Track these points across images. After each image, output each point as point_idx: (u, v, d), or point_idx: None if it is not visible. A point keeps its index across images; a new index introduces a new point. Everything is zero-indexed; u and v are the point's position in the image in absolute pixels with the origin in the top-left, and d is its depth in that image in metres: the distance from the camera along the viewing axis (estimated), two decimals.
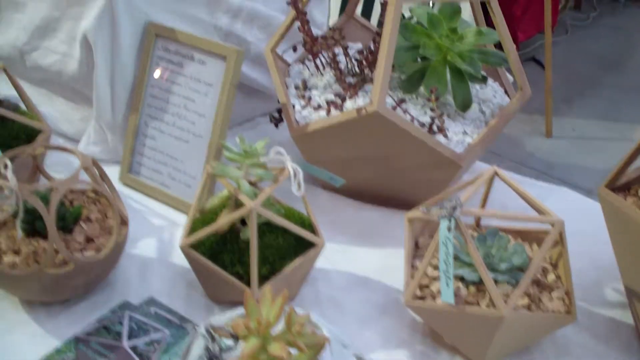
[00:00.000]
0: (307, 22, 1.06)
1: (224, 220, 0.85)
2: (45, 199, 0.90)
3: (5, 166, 0.83)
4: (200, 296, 0.93)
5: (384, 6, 1.05)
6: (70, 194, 0.96)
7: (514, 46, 1.07)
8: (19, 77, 1.22)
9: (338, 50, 1.12)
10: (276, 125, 1.16)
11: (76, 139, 1.24)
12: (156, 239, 1.04)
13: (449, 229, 0.80)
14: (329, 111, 0.96)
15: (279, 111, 1.16)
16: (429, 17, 1.06)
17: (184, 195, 1.08)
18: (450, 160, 1.00)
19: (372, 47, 1.08)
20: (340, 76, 1.05)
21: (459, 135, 1.04)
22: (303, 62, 1.14)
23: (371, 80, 1.09)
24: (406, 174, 1.06)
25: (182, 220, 1.07)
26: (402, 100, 1.01)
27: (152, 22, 1.11)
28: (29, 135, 1.03)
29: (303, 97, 1.00)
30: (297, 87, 1.01)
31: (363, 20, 1.27)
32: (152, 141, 1.12)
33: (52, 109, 1.26)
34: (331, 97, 1.07)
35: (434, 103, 0.99)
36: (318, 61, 1.11)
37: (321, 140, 1.03)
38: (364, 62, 1.08)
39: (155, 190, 1.11)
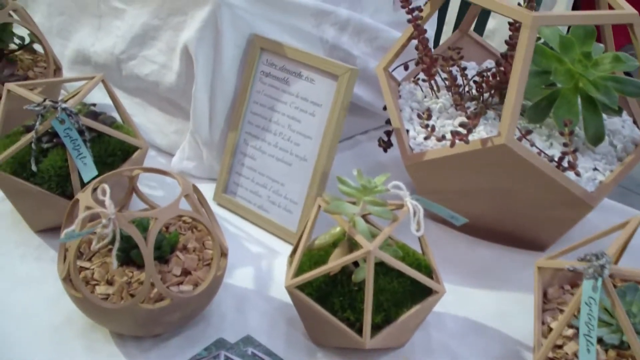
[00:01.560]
0: (427, 40, 0.97)
1: (338, 262, 0.77)
2: (142, 226, 0.84)
3: (104, 192, 0.77)
4: (302, 336, 0.86)
5: (513, 28, 0.95)
6: None
7: None
8: (114, 85, 1.17)
9: (454, 70, 1.03)
10: (385, 150, 1.07)
11: (169, 152, 1.18)
12: (254, 268, 0.97)
13: (595, 289, 0.70)
14: (453, 143, 0.87)
15: (388, 134, 1.07)
16: (561, 40, 0.96)
17: (284, 221, 1.01)
18: (580, 199, 0.90)
19: (494, 69, 0.98)
20: (460, 101, 0.96)
21: (590, 171, 0.93)
22: (416, 82, 1.06)
23: (492, 107, 0.99)
24: (528, 210, 0.96)
25: (281, 248, 1.00)
26: (529, 132, 0.91)
27: (257, 35, 1.04)
28: (125, 151, 0.97)
29: (427, 126, 0.91)
30: (420, 116, 0.92)
31: (477, 37, 1.17)
32: (251, 161, 1.05)
33: (145, 119, 1.20)
34: (451, 125, 0.98)
35: (567, 137, 0.89)
36: (433, 82, 1.02)
37: (437, 169, 0.94)
38: (484, 86, 0.99)
39: (252, 213, 1.04)
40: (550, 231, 0.99)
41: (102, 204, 0.77)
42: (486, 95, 1.01)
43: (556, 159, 0.89)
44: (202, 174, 1.13)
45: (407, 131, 0.98)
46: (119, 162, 0.96)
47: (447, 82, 1.02)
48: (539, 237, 1.01)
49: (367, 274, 0.74)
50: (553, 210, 0.94)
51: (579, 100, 0.95)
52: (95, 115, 0.98)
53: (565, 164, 0.89)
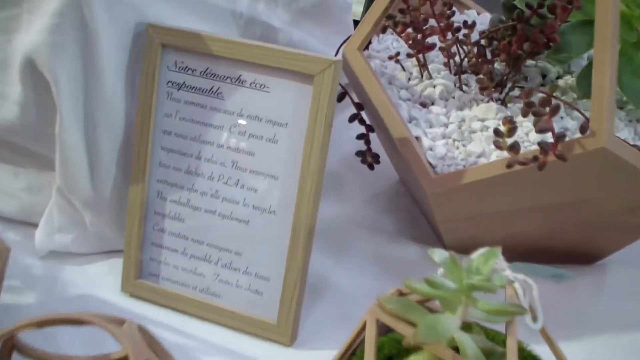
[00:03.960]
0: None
1: None
2: None
3: None
4: None
5: None
6: None
7: None
8: None
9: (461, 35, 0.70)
10: (371, 167, 0.73)
11: (22, 220, 0.76)
12: None
13: None
14: (543, 164, 0.55)
15: (366, 140, 0.73)
16: None
17: (251, 308, 0.65)
18: None
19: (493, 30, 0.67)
20: (488, 82, 0.64)
21: None
22: (396, 59, 0.72)
23: (512, 85, 0.69)
24: (600, 219, 0.68)
25: (254, 351, 0.64)
26: None
27: (152, 24, 0.64)
28: None
29: (512, 148, 0.57)
30: (497, 133, 0.58)
31: None
32: (176, 224, 0.67)
33: None
34: (476, 120, 0.66)
35: None
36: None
37: (481, 190, 0.63)
38: (499, 54, 0.68)
39: (194, 302, 0.67)
40: (616, 239, 0.72)
41: None
42: (500, 67, 0.69)
43: None
44: (90, 249, 0.73)
45: (417, 137, 0.65)
46: None
47: (443, 53, 0.69)
48: (596, 248, 0.74)
49: None
50: (633, 216, 0.67)
51: None
52: None
53: None
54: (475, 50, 0.66)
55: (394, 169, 0.83)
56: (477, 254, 0.46)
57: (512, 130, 0.55)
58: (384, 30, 0.76)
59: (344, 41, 0.76)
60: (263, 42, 0.62)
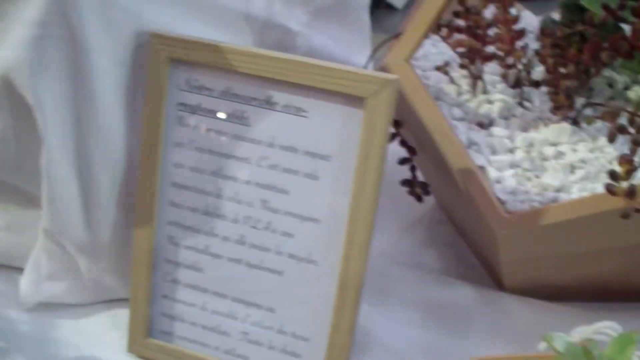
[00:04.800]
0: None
1: None
2: None
3: None
4: None
5: None
6: None
7: None
8: None
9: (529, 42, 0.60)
10: (419, 199, 0.62)
11: (3, 264, 0.65)
12: None
13: None
14: None
15: (412, 167, 0.62)
16: None
17: None
18: None
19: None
20: (566, 101, 0.54)
21: None
22: (445, 70, 0.61)
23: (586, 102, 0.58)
24: None
25: None
26: None
27: (157, 34, 0.52)
28: None
29: (630, 194, 0.46)
30: (614, 176, 0.47)
31: None
32: (193, 274, 0.56)
33: None
34: (547, 144, 0.56)
35: None
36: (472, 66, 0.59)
37: (563, 231, 0.52)
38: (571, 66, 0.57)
39: None
40: None
41: None
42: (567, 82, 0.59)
43: None
44: (86, 299, 0.62)
45: (481, 167, 0.54)
46: None
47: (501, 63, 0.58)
48: None
49: None
50: None
51: None
52: None
53: None
54: (550, 61, 0.55)
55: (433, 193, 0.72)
56: (611, 342, 0.36)
57: (630, 171, 0.45)
58: None
59: (376, 49, 0.65)
60: (298, 56, 0.51)
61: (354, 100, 0.48)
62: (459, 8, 0.56)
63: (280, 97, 0.51)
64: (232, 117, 0.52)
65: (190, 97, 0.53)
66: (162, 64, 0.52)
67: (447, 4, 0.57)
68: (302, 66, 0.49)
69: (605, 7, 0.56)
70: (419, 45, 0.59)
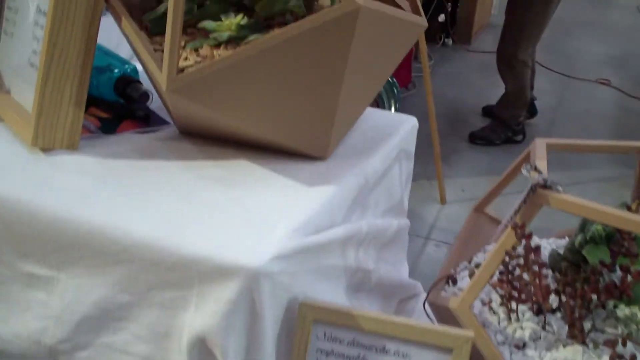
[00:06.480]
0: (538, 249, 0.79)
1: None
2: None
3: None
4: None
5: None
6: None
7: None
8: None
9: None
10: None
11: None
12: None
13: None
14: None
15: None
16: None
17: None
18: None
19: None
20: (581, 329, 0.79)
21: None
22: (489, 305, 0.86)
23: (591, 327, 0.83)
24: None
25: None
26: None
27: (306, 303, 0.77)
28: None
29: None
30: None
31: (495, 215, 1.01)
32: None
33: None
34: None
35: None
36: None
37: None
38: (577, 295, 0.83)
39: None
40: None
41: None
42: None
43: None
44: None
45: None
46: None
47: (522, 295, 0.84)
48: None
49: None
50: None
51: None
52: None
53: None
54: (574, 302, 0.80)
55: None
56: None
57: None
58: None
59: (433, 286, 0.89)
60: (404, 318, 0.76)
61: (444, 349, 0.73)
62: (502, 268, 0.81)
63: (392, 345, 0.75)
64: (355, 359, 0.76)
65: (326, 344, 0.77)
66: (307, 324, 0.77)
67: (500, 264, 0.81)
68: (409, 327, 0.74)
69: (602, 262, 0.82)
70: (480, 291, 0.82)
